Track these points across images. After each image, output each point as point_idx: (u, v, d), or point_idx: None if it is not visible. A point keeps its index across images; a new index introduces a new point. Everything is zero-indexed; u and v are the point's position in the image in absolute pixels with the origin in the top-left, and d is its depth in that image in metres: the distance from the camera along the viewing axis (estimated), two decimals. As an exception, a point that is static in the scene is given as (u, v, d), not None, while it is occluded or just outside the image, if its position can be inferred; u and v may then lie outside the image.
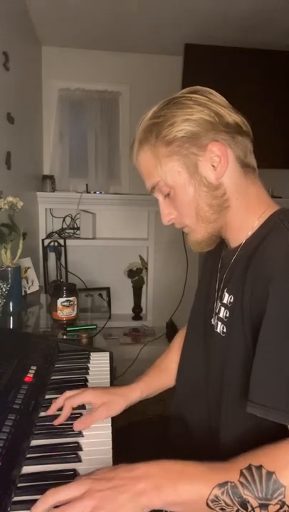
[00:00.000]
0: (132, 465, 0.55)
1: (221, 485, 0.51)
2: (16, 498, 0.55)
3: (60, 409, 0.76)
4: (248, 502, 0.51)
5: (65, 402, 0.75)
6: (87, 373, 0.93)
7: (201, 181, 0.70)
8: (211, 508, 0.52)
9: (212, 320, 0.79)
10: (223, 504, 0.51)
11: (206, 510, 0.52)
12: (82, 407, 0.78)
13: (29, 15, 2.41)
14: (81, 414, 0.75)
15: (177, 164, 0.70)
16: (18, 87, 2.21)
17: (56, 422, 0.73)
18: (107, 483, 0.52)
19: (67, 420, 0.74)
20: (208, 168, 0.69)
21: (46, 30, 2.65)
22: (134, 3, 2.25)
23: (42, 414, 0.76)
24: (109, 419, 0.77)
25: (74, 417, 0.75)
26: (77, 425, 0.71)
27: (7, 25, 1.97)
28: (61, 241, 2.91)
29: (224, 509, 0.52)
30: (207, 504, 0.52)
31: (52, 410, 0.76)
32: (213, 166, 0.69)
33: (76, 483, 0.53)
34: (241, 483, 0.51)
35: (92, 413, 0.74)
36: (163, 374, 0.94)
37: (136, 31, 2.62)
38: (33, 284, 1.72)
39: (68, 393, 0.78)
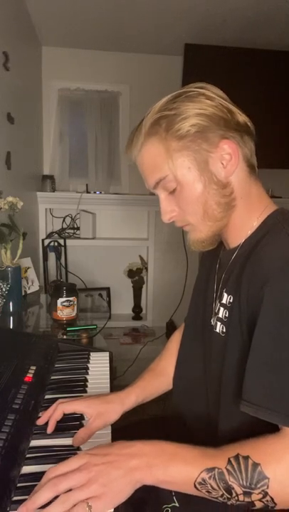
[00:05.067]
0: (128, 442, 0.58)
1: (209, 470, 0.54)
2: (15, 498, 0.55)
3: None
4: (233, 488, 0.54)
5: (58, 406, 0.73)
6: (87, 373, 0.93)
7: (211, 178, 0.68)
8: (198, 489, 0.55)
9: (211, 320, 0.79)
10: (210, 488, 0.54)
11: (194, 491, 0.56)
12: (82, 417, 0.75)
13: (29, 15, 2.41)
14: (82, 416, 0.75)
15: (187, 160, 0.68)
16: (18, 87, 2.21)
17: (40, 422, 0.72)
18: (103, 458, 0.55)
19: (66, 421, 0.73)
20: (218, 166, 0.68)
21: (46, 30, 2.65)
22: (134, 3, 2.25)
23: (41, 414, 0.76)
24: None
25: (72, 417, 0.74)
26: (76, 441, 0.68)
27: (7, 25, 1.97)
28: (61, 241, 2.91)
29: (210, 492, 0.55)
30: (195, 486, 0.55)
31: (43, 420, 0.73)
32: (222, 163, 0.68)
33: (75, 457, 0.56)
34: (228, 470, 0.54)
35: (90, 426, 0.71)
36: (159, 378, 0.91)
37: (136, 31, 2.62)
38: (33, 284, 1.72)
39: (61, 401, 0.75)
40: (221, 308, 0.75)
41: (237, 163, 0.68)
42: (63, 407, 0.73)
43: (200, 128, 0.66)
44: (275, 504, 0.54)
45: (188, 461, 0.56)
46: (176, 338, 0.97)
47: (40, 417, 0.74)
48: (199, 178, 0.68)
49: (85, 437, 0.69)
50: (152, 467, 0.55)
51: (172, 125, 0.67)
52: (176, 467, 0.55)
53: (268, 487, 0.53)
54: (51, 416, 0.72)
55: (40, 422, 0.73)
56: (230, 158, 0.67)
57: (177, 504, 0.69)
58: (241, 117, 0.69)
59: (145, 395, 0.86)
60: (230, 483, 0.53)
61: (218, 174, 0.68)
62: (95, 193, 2.89)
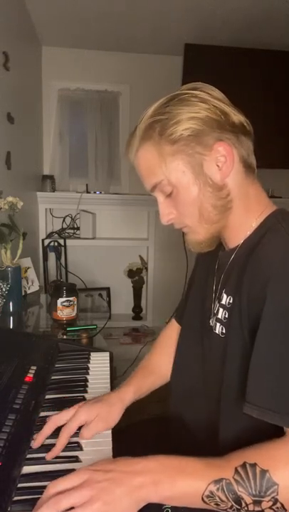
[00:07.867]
0: (131, 459, 0.56)
1: (217, 481, 0.53)
2: (16, 498, 0.55)
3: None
4: (242, 498, 0.52)
5: (62, 430, 0.68)
6: (87, 373, 0.93)
7: (206, 181, 0.68)
8: (206, 503, 0.54)
9: (210, 321, 0.79)
10: (218, 500, 0.53)
11: (202, 504, 0.54)
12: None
13: (29, 15, 2.41)
14: None
15: (182, 163, 0.67)
16: (18, 87, 2.21)
17: (49, 456, 0.64)
18: (106, 475, 0.53)
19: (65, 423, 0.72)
20: (213, 168, 0.68)
21: (46, 30, 2.65)
22: (135, 3, 2.25)
23: (42, 414, 0.76)
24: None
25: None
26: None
27: (7, 25, 1.97)
28: (61, 241, 2.91)
29: (219, 504, 0.53)
30: (202, 499, 0.53)
31: (39, 442, 0.67)
32: (218, 165, 0.67)
33: (76, 473, 0.54)
34: (236, 480, 0.52)
35: (89, 425, 0.70)
36: (152, 375, 0.92)
37: (136, 31, 2.62)
38: (33, 284, 1.72)
39: (56, 418, 0.70)
40: (221, 309, 0.75)
41: (232, 165, 0.68)
42: (68, 430, 0.68)
43: (193, 132, 0.66)
44: (286, 510, 0.53)
45: (194, 474, 0.54)
46: (167, 333, 0.98)
47: (40, 417, 0.74)
48: (194, 181, 0.68)
49: (87, 437, 0.69)
50: (158, 484, 0.53)
51: (165, 129, 0.66)
52: (183, 482, 0.54)
53: (277, 493, 0.51)
54: (57, 445, 0.66)
55: (35, 445, 0.67)
56: (225, 160, 0.67)
57: None
58: (236, 117, 0.68)
59: (141, 392, 0.87)
60: (239, 493, 0.52)
61: (214, 177, 0.68)
62: (95, 193, 2.89)
